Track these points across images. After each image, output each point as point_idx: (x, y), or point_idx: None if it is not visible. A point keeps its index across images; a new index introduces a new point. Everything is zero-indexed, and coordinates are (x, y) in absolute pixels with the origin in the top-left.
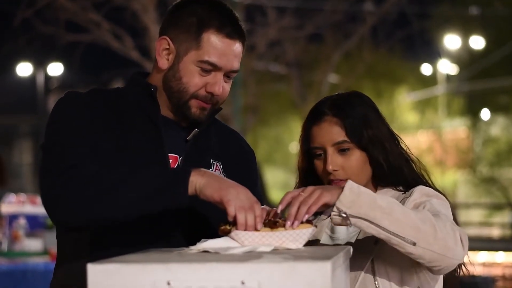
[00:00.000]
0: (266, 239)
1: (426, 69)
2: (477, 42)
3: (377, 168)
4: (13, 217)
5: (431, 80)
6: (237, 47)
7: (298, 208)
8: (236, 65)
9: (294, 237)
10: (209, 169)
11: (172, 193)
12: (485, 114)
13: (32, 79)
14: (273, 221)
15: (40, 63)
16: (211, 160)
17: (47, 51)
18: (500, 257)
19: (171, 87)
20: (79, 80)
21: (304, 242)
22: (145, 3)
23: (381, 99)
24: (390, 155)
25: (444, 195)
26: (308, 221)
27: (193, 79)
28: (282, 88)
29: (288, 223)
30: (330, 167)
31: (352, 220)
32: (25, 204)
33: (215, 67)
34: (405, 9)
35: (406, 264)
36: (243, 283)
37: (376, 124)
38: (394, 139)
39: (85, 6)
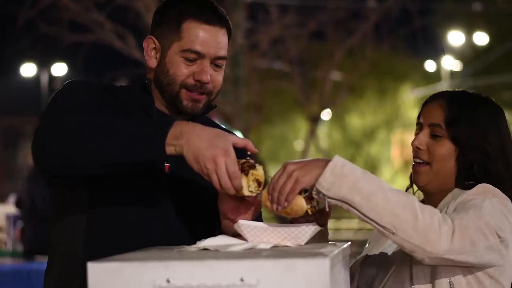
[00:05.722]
0: (268, 234)
1: (430, 65)
2: (481, 38)
3: (465, 168)
4: (17, 218)
5: (435, 77)
6: (219, 33)
7: (278, 195)
8: (220, 51)
9: (296, 234)
10: None
11: (146, 146)
12: None
13: (36, 79)
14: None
15: (44, 64)
16: None
17: (51, 52)
18: None
19: (161, 82)
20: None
21: (306, 240)
22: (148, 2)
23: (385, 96)
24: (490, 164)
25: None
26: (305, 191)
27: (179, 70)
28: (285, 86)
29: (274, 206)
30: (415, 143)
31: (332, 201)
32: None
33: (198, 55)
34: (407, 6)
35: None
36: (242, 280)
37: (485, 130)
38: (504, 155)
39: (88, 6)
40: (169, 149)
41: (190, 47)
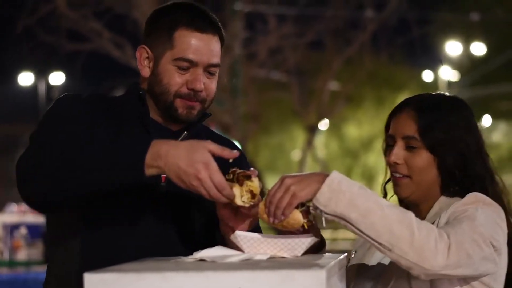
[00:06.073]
0: (265, 245)
1: (427, 75)
2: (478, 48)
3: (449, 175)
4: (14, 227)
5: (433, 87)
6: (211, 40)
7: (275, 208)
8: (213, 59)
9: (293, 245)
10: None
11: (126, 172)
12: (486, 120)
13: (33, 88)
14: (244, 176)
15: (41, 72)
16: None
17: (49, 60)
18: None
19: (155, 92)
20: (80, 89)
21: (302, 252)
22: (145, 11)
23: (383, 105)
24: (470, 165)
25: (507, 213)
26: (302, 204)
27: (173, 79)
28: (283, 95)
29: (270, 219)
30: (392, 158)
31: (329, 217)
32: (26, 214)
33: (191, 63)
34: (405, 16)
35: None
36: None
37: (460, 132)
38: (480, 154)
39: (86, 15)
40: (150, 171)
41: (183, 55)
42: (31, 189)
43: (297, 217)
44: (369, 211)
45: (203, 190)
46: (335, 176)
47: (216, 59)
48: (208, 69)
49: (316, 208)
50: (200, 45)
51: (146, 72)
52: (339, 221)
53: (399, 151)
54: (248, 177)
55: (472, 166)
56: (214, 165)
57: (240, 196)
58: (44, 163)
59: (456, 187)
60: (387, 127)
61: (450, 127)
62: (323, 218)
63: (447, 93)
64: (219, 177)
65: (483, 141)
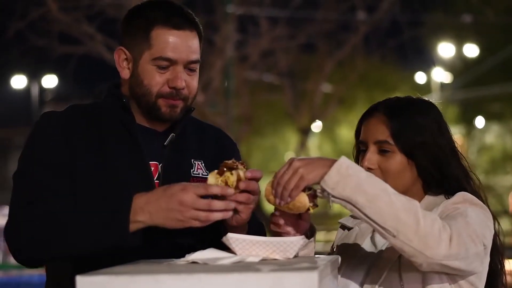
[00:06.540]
0: (257, 247)
1: (420, 77)
2: (471, 50)
3: (427, 176)
4: None
5: (425, 89)
6: (189, 37)
7: (283, 190)
8: (192, 55)
9: (285, 247)
10: (190, 170)
11: (114, 236)
12: (479, 122)
13: (26, 91)
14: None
15: (34, 75)
16: (192, 160)
17: (41, 63)
18: None
19: (137, 93)
20: (73, 92)
21: (294, 253)
22: None
23: None
24: (445, 166)
25: (491, 212)
26: (309, 188)
27: (154, 79)
28: (275, 98)
29: (277, 200)
30: (365, 164)
31: (336, 201)
32: None
33: (170, 61)
34: (397, 18)
35: None
36: None
37: (432, 134)
38: (454, 154)
39: (79, 18)
40: (134, 226)
41: (161, 54)
42: (18, 250)
43: (304, 200)
44: (376, 197)
45: (197, 212)
46: (344, 161)
47: (195, 56)
48: (188, 66)
49: (323, 191)
50: (178, 43)
51: (126, 74)
52: (345, 205)
53: (372, 156)
54: (230, 169)
55: (447, 167)
56: (188, 184)
57: (215, 184)
58: (30, 229)
59: (437, 186)
60: (358, 133)
61: (423, 129)
62: (330, 201)
63: (415, 96)
64: (200, 188)
65: (454, 141)
